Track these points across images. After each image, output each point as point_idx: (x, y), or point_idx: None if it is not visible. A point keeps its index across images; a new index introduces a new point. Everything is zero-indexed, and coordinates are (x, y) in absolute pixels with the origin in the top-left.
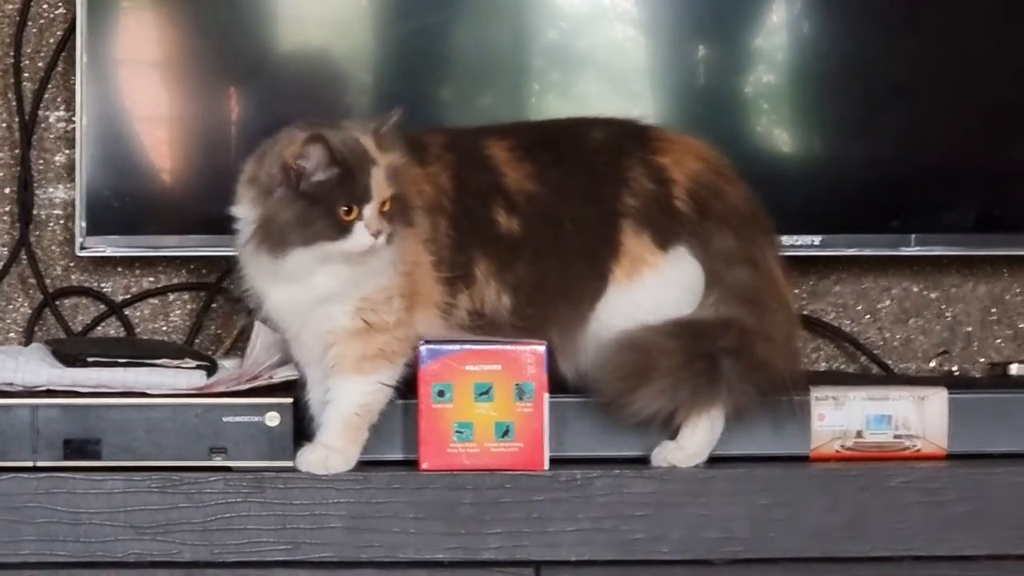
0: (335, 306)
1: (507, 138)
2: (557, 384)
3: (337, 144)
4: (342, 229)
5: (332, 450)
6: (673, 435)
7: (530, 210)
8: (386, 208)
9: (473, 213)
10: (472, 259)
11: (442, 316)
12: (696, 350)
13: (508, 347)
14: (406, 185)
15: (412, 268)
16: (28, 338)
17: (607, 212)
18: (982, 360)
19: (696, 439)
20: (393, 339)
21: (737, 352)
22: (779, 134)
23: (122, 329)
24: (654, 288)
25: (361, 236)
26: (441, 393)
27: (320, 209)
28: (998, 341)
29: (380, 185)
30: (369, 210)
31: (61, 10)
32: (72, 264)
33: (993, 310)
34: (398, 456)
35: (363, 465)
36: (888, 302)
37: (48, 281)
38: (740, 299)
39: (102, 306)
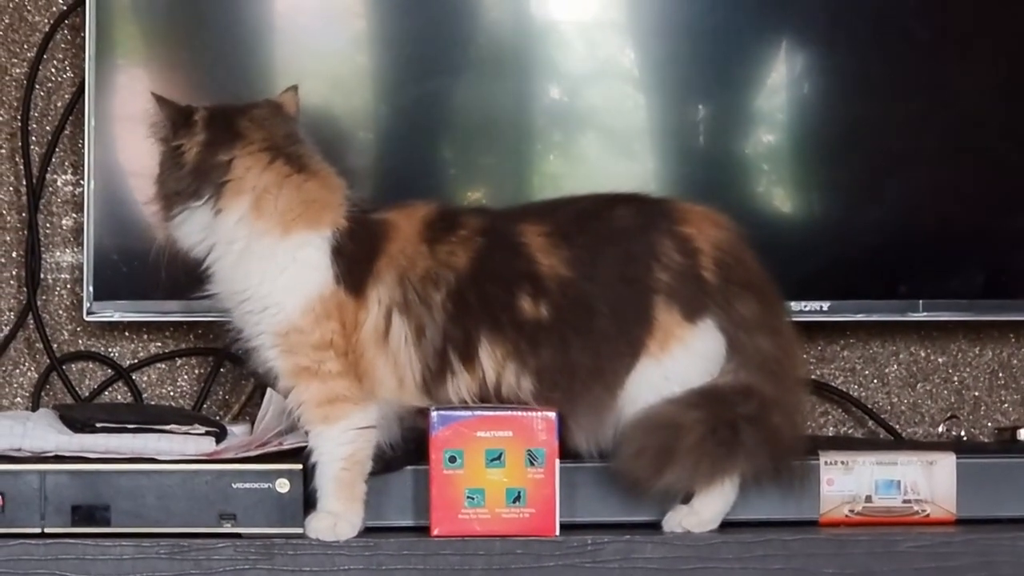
0: (265, 339)
1: (544, 222)
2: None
3: None
4: None
5: (338, 516)
6: (685, 499)
7: (562, 295)
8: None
9: (490, 298)
10: (475, 341)
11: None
12: (717, 418)
13: (519, 414)
14: (401, 260)
15: (348, 327)
16: (35, 403)
17: (641, 288)
18: (989, 425)
19: (711, 506)
20: (345, 385)
21: (756, 420)
22: (787, 200)
23: (129, 394)
24: (682, 362)
25: None
26: (452, 459)
27: None
28: (1005, 406)
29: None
30: None
31: (69, 74)
32: (79, 329)
33: (1000, 375)
34: (409, 522)
35: (373, 531)
36: (896, 367)
37: (55, 346)
38: (760, 368)
39: (109, 371)
